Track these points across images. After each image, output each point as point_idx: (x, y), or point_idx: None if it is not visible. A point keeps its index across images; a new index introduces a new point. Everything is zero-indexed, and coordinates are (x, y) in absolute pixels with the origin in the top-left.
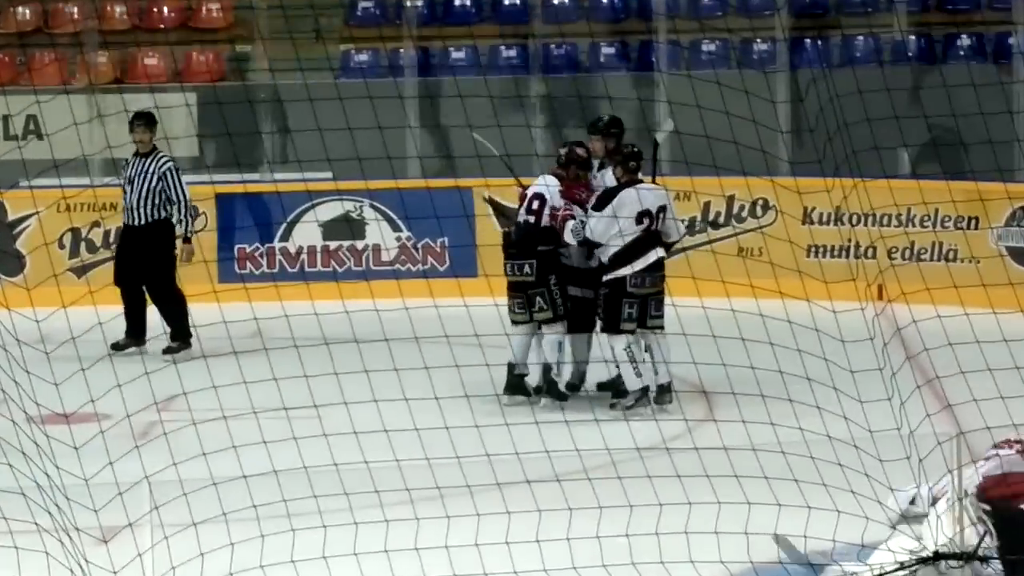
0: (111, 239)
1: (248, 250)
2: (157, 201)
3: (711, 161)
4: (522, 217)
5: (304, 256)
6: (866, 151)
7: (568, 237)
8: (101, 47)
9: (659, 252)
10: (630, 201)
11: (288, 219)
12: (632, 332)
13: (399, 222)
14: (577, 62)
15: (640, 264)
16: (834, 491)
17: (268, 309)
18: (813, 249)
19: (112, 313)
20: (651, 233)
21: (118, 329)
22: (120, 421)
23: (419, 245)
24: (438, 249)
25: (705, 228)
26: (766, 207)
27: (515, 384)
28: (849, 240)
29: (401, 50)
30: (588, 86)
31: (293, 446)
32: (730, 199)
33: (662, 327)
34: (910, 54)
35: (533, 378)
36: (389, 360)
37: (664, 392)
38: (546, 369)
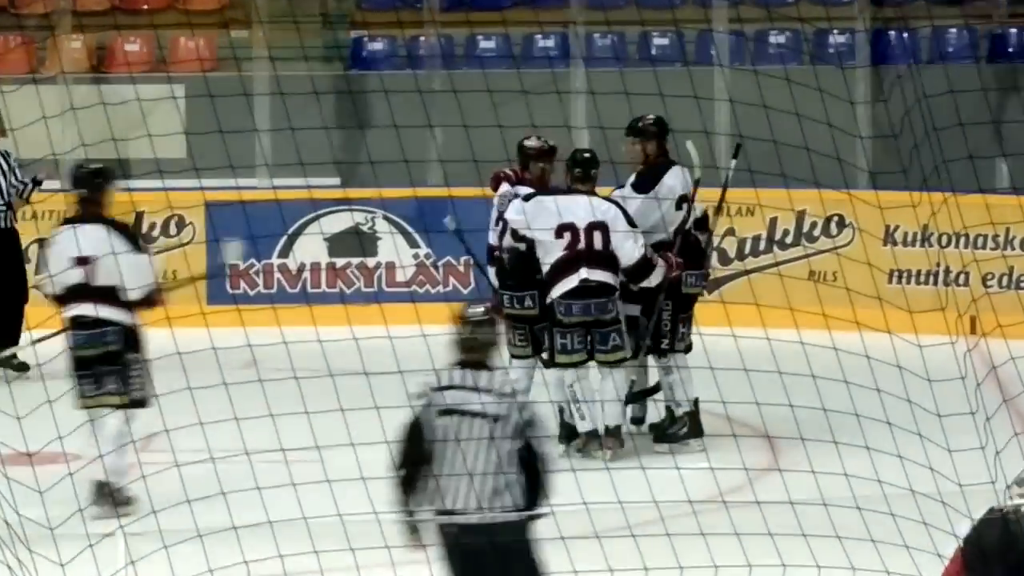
0: None
1: (242, 267)
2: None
3: (779, 170)
4: (507, 243)
5: (307, 274)
6: (959, 161)
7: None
8: (75, 30)
9: (585, 275)
10: (544, 211)
11: (289, 232)
12: (572, 366)
13: (416, 237)
14: (624, 54)
15: (559, 289)
16: (916, 553)
17: (264, 335)
18: (896, 274)
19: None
20: (579, 252)
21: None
22: (92, 462)
23: (440, 263)
24: (461, 268)
25: (771, 248)
26: (842, 224)
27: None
28: (938, 264)
29: (421, 38)
30: (637, 82)
31: (292, 493)
32: (800, 215)
33: (615, 362)
34: (1010, 49)
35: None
36: (403, 395)
37: (594, 438)
38: (559, 411)
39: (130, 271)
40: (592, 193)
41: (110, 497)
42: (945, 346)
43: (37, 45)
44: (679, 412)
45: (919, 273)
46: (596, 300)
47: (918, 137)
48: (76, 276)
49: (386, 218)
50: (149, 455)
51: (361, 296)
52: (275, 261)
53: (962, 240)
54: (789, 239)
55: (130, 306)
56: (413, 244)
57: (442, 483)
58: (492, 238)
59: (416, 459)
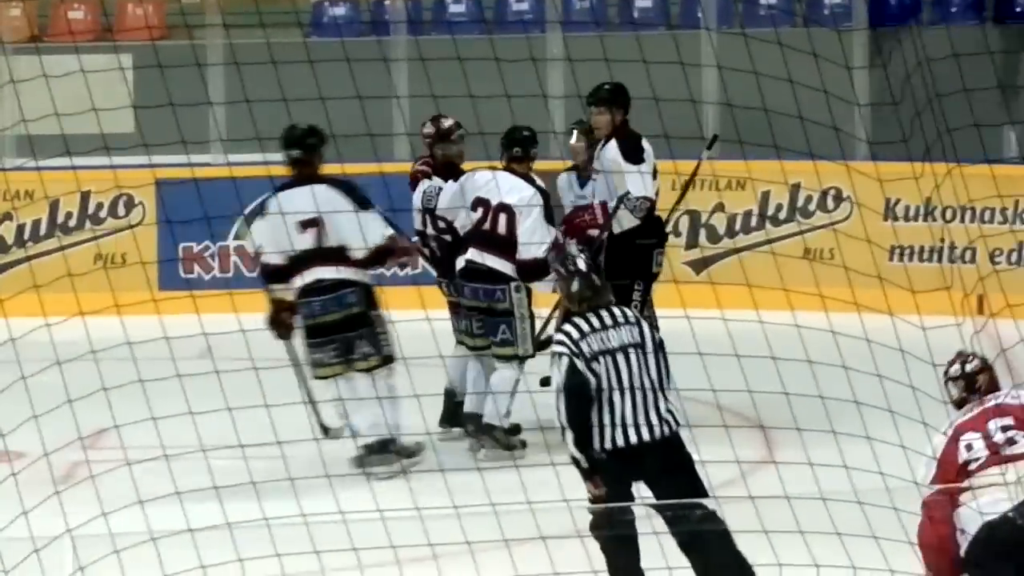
0: (26, 236)
1: (196, 250)
2: None
3: (770, 141)
4: (431, 232)
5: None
6: (963, 129)
7: None
8: None
9: (472, 255)
10: (472, 185)
11: (245, 211)
12: (474, 350)
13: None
14: (604, 17)
15: (456, 266)
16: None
17: (220, 322)
18: (897, 251)
19: (29, 326)
20: (479, 232)
21: (35, 346)
22: (36, 461)
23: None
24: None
25: (764, 224)
26: (839, 198)
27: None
28: (942, 240)
29: (387, 2)
30: (618, 47)
31: (251, 492)
32: (794, 188)
33: (501, 356)
34: (1018, 9)
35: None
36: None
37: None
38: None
39: (359, 229)
40: (528, 173)
41: (396, 453)
42: (950, 328)
43: None
44: None
45: (922, 250)
46: (484, 285)
47: (920, 104)
48: (305, 241)
49: None
50: (98, 452)
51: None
52: (231, 243)
53: (967, 214)
54: (782, 214)
55: (361, 264)
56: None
57: (617, 420)
58: (418, 222)
59: (587, 413)
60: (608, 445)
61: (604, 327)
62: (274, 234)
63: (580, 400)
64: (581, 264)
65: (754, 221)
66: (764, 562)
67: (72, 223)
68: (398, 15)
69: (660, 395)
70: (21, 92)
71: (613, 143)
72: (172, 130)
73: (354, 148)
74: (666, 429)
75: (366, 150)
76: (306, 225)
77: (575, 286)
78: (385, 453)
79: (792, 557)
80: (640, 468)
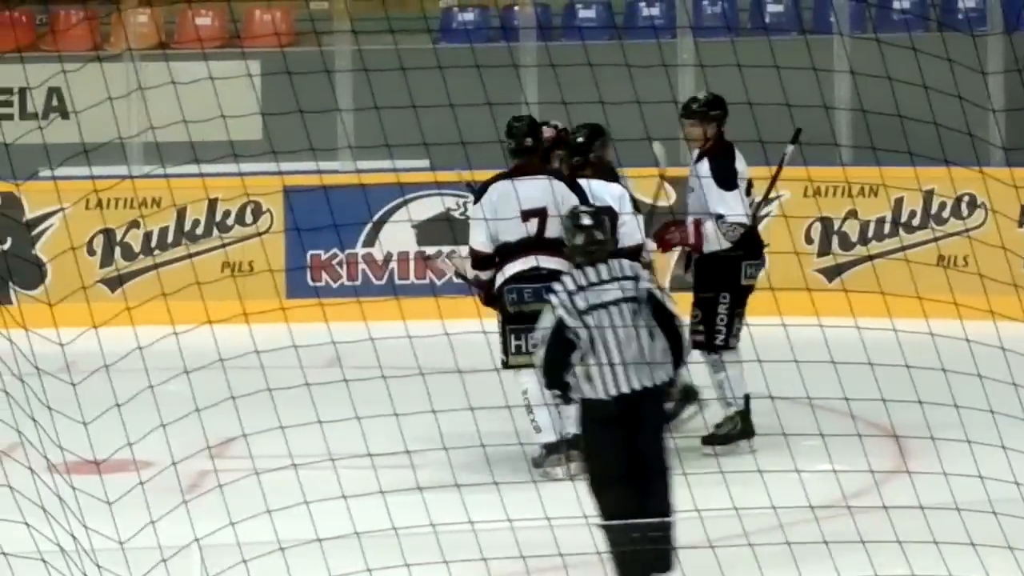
0: (153, 243)
1: (324, 257)
2: None
3: (904, 147)
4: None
5: (394, 264)
6: None
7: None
8: (142, 4)
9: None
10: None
11: (374, 219)
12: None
13: None
14: (736, 22)
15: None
16: None
17: (349, 330)
18: None
19: (157, 334)
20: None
21: (163, 355)
22: (164, 470)
23: None
24: None
25: (897, 231)
26: (973, 205)
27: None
28: None
29: (516, 7)
30: (750, 52)
31: (380, 502)
32: (928, 195)
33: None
34: None
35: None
36: (501, 395)
37: (554, 451)
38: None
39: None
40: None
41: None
42: None
43: (101, 20)
44: (729, 412)
45: None
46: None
47: None
48: (524, 230)
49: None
50: (225, 462)
51: (452, 288)
52: (360, 251)
53: None
54: (916, 221)
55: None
56: None
57: (604, 371)
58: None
59: (564, 363)
60: (613, 391)
61: (601, 281)
62: (491, 221)
63: (558, 353)
64: (586, 219)
65: (887, 228)
66: (899, 573)
67: (199, 231)
68: (527, 20)
69: (653, 347)
70: (149, 99)
71: (706, 162)
72: (300, 137)
73: (484, 155)
74: (657, 379)
75: (496, 157)
76: (529, 215)
77: (579, 239)
78: (561, 453)
79: (926, 567)
80: (638, 414)
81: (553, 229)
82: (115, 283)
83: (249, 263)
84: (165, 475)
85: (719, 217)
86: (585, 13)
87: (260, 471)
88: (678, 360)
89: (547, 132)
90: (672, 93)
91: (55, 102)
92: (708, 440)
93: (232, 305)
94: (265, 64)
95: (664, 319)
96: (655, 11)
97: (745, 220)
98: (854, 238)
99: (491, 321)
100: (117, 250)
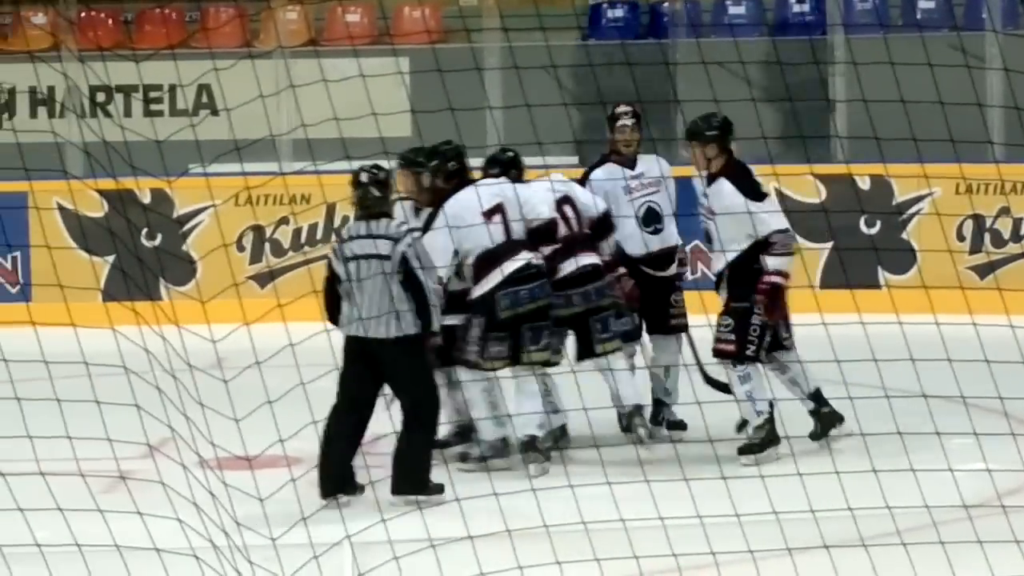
0: (303, 239)
1: None
2: None
3: None
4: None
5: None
6: None
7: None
8: (292, 1)
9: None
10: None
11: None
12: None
13: None
14: (887, 18)
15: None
16: None
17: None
18: None
19: (308, 331)
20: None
21: (314, 351)
22: (315, 467)
23: (687, 248)
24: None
25: None
26: None
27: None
28: None
29: (665, 4)
30: (901, 49)
31: (531, 499)
32: None
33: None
34: None
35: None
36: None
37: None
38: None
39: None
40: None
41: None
42: None
43: (251, 18)
44: (760, 420)
45: None
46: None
47: None
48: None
49: None
50: (377, 459)
51: None
52: None
53: None
54: None
55: None
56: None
57: (352, 313)
58: None
59: (332, 299)
60: (353, 332)
61: (367, 235)
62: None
63: (327, 290)
64: (364, 177)
65: None
66: None
67: None
68: (677, 17)
69: (403, 303)
70: (299, 96)
71: (726, 183)
72: (450, 134)
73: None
74: (399, 331)
75: (645, 152)
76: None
77: (358, 194)
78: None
79: None
80: (377, 360)
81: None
82: (265, 279)
83: None
84: (316, 472)
85: (767, 240)
86: (735, 10)
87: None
88: (426, 322)
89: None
90: (824, 90)
91: (205, 99)
92: (743, 450)
93: None
94: (414, 61)
95: (410, 283)
96: (805, 8)
97: (787, 226)
98: (1007, 235)
99: None
100: (267, 246)
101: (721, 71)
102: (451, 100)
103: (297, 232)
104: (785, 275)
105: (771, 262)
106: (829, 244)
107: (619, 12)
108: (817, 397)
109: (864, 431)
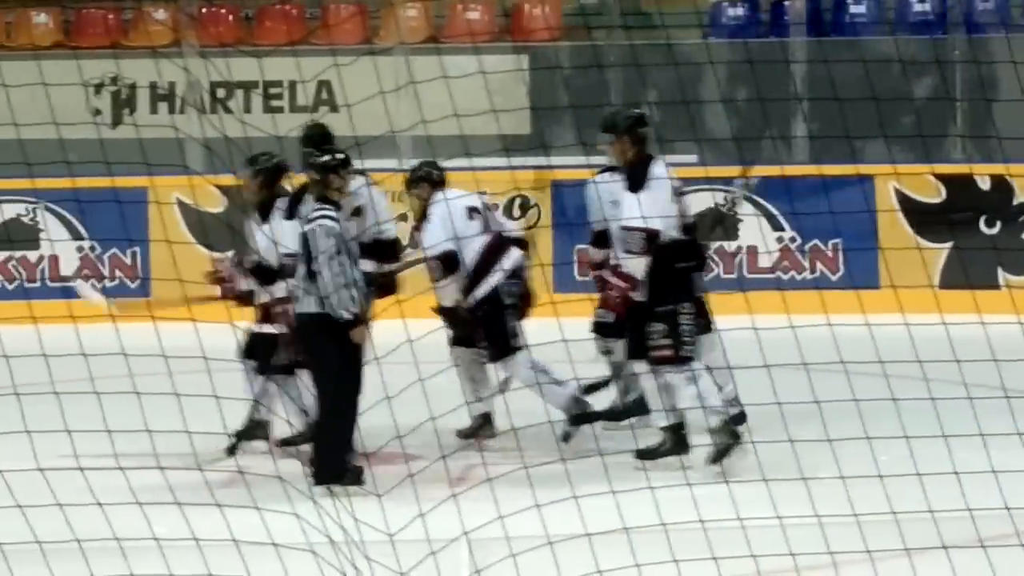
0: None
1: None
2: None
3: None
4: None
5: None
6: None
7: None
8: None
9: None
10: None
11: None
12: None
13: (780, 219)
14: (1009, 17)
15: None
16: None
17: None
18: None
19: (426, 327)
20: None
21: (433, 348)
22: (434, 463)
23: (806, 247)
24: (830, 253)
25: None
26: None
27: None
28: None
29: (786, 3)
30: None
31: (649, 497)
32: None
33: None
34: None
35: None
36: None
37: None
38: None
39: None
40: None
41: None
42: None
43: (372, 14)
44: (715, 421)
45: None
46: None
47: None
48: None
49: (748, 198)
50: (495, 455)
51: (721, 283)
52: None
53: None
54: None
55: None
56: (777, 227)
57: None
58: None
59: None
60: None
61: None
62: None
63: None
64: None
65: None
66: None
67: None
68: (797, 16)
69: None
70: (419, 92)
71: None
72: (569, 131)
73: (754, 150)
74: (302, 309)
75: (767, 152)
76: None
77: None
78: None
79: None
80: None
81: None
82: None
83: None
84: (435, 468)
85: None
86: (856, 8)
87: (529, 465)
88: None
89: None
90: (945, 89)
91: (325, 95)
92: (715, 459)
93: None
94: (535, 58)
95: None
96: (926, 7)
97: (641, 223)
98: None
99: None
100: None
101: (843, 70)
102: (571, 97)
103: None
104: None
105: (628, 264)
106: (949, 244)
107: (739, 11)
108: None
109: (984, 431)
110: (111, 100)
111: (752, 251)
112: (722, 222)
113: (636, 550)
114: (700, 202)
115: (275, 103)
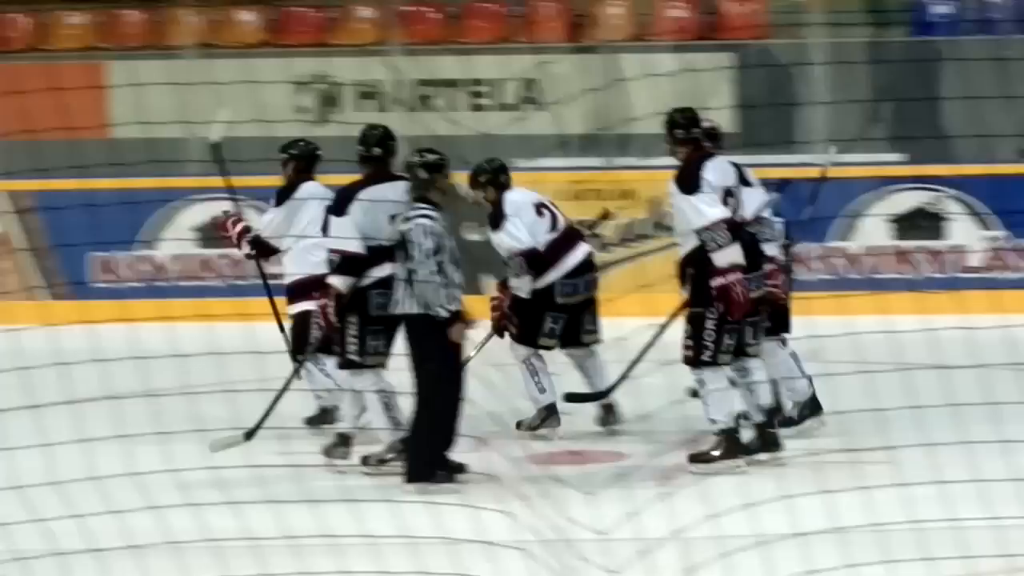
0: (634, 234)
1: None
2: None
3: None
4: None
5: (870, 259)
6: None
7: None
8: None
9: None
10: None
11: (850, 212)
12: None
13: (988, 217)
14: None
15: None
16: None
17: (827, 324)
18: None
19: (632, 325)
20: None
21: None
22: (645, 461)
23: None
24: None
25: None
26: None
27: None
28: None
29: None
30: None
31: (864, 498)
32: None
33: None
34: None
35: None
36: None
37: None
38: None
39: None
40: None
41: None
42: None
43: (575, 13)
44: (714, 430)
45: None
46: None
47: None
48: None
49: (956, 198)
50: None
51: (930, 283)
52: (839, 243)
53: None
54: None
55: None
56: (986, 226)
57: None
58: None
59: None
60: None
61: None
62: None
63: None
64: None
65: None
66: None
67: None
68: (1006, 13)
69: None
70: (624, 90)
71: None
72: (775, 129)
73: (962, 149)
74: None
75: (974, 151)
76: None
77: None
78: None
79: None
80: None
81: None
82: None
83: None
84: (644, 467)
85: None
86: None
87: (739, 465)
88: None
89: (704, 124)
90: None
91: (530, 93)
92: (694, 458)
93: None
94: (739, 57)
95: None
96: None
97: (706, 222)
98: None
99: (974, 316)
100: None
101: None
102: (776, 95)
103: (628, 227)
104: (727, 271)
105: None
106: None
107: (945, 8)
108: (769, 414)
109: None
110: (317, 98)
111: (959, 250)
112: (927, 219)
113: (850, 550)
114: (906, 201)
115: (483, 101)
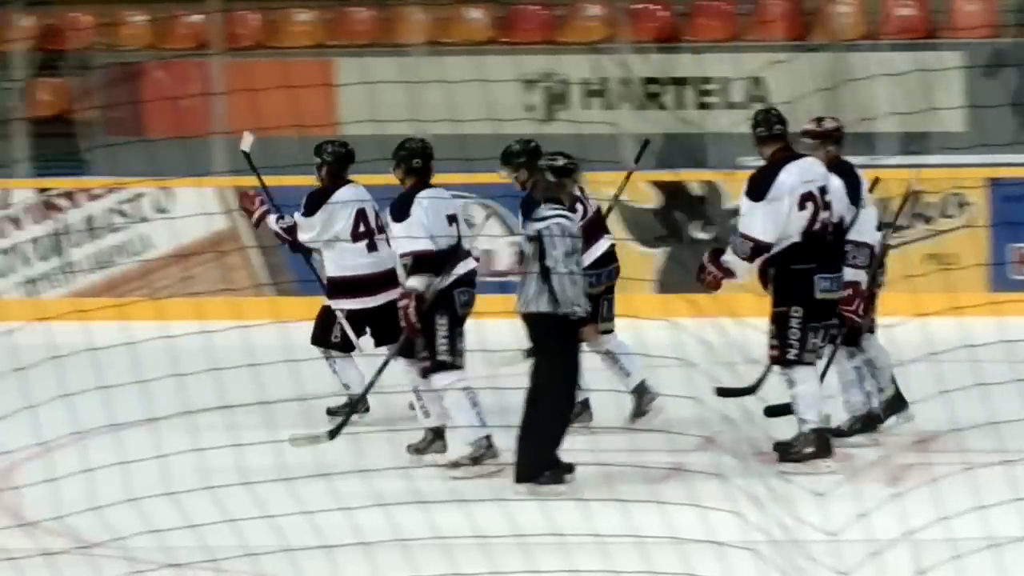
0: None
1: None
2: None
3: None
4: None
5: None
6: None
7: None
8: None
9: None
10: None
11: None
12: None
13: None
14: None
15: None
16: None
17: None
18: None
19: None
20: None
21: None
22: (876, 461)
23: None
24: None
25: None
26: None
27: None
28: None
29: None
30: None
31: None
32: None
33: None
34: None
35: None
36: None
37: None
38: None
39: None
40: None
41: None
42: None
43: (805, 10)
44: (805, 429)
45: None
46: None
47: None
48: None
49: None
50: (939, 456)
51: None
52: None
53: None
54: None
55: None
56: None
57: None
58: None
59: None
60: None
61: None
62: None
63: None
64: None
65: None
66: None
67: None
68: None
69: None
70: (854, 89)
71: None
72: (1007, 128)
73: None
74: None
75: None
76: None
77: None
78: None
79: None
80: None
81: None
82: None
83: (954, 256)
84: (876, 468)
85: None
86: None
87: (973, 465)
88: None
89: (828, 124)
90: None
91: (758, 92)
92: (779, 449)
93: (940, 299)
94: (970, 55)
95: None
96: None
97: (758, 235)
98: None
99: None
100: None
101: None
102: (1008, 93)
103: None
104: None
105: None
106: None
107: None
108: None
109: None
110: (544, 96)
111: None
112: None
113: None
114: None
115: (710, 99)
